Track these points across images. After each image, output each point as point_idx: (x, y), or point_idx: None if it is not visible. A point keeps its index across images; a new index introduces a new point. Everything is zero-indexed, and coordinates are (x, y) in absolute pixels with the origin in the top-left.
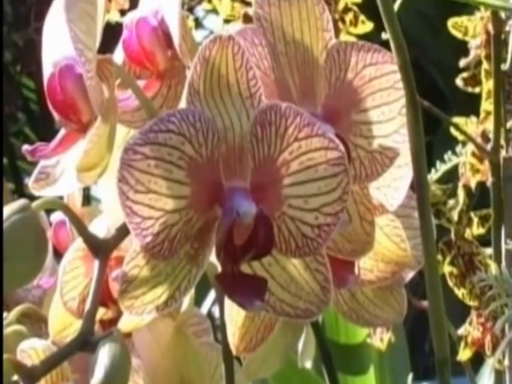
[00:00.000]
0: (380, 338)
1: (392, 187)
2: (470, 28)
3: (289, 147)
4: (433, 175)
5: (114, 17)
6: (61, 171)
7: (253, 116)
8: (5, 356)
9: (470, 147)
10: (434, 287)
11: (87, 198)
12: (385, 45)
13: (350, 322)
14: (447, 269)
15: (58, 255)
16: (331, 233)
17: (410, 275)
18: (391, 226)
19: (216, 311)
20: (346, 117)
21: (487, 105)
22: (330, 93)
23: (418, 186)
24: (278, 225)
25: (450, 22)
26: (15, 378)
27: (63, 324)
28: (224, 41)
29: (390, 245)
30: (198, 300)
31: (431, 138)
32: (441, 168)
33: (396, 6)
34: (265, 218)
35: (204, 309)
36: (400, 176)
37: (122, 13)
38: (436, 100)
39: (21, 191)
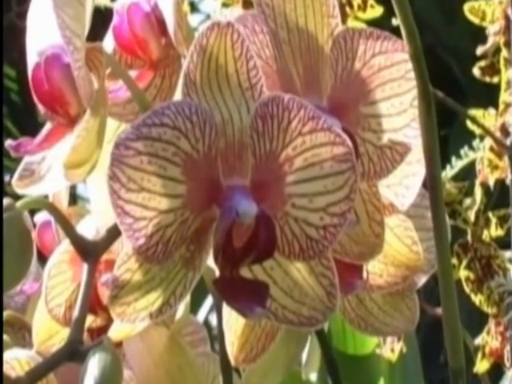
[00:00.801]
0: (391, 349)
1: (403, 185)
2: (488, 13)
3: (292, 142)
4: (448, 172)
5: (104, 1)
6: (47, 168)
7: (253, 109)
8: None
9: (488, 142)
10: (448, 293)
11: (73, 197)
12: (395, 31)
13: (358, 331)
14: (463, 273)
15: (43, 259)
16: (337, 234)
17: (422, 280)
18: (402, 226)
19: (213, 319)
20: (354, 109)
21: (506, 96)
22: (336, 84)
23: (431, 183)
24: (280, 226)
25: (467, 6)
26: None
27: (49, 333)
28: (222, 28)
29: (400, 247)
30: (194, 307)
31: (446, 132)
32: (456, 164)
33: None
34: (266, 219)
35: (200, 317)
36: (412, 173)
37: None
38: (452, 90)
39: (3, 189)
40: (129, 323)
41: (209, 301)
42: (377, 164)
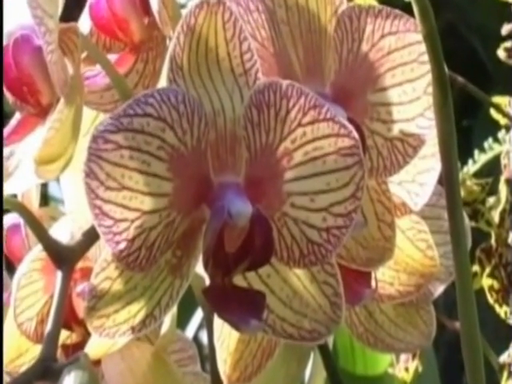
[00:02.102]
0: (405, 368)
1: (416, 182)
2: None
3: (291, 134)
4: (470, 167)
5: None
6: (16, 164)
7: (247, 97)
8: None
9: None
10: (466, 304)
11: (44, 198)
12: (407, 9)
13: (368, 348)
14: (486, 282)
15: (11, 267)
16: (342, 237)
17: (439, 289)
18: (415, 229)
19: (203, 336)
20: (361, 97)
21: None
22: (340, 68)
23: (448, 180)
24: (278, 228)
25: None
26: None
27: (18, 350)
28: (213, 6)
29: (413, 252)
30: (182, 321)
31: (470, 122)
32: (480, 158)
33: None
34: (262, 220)
35: (189, 332)
36: (426, 168)
37: None
38: (476, 75)
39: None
40: (108, 338)
41: (198, 314)
42: (387, 158)
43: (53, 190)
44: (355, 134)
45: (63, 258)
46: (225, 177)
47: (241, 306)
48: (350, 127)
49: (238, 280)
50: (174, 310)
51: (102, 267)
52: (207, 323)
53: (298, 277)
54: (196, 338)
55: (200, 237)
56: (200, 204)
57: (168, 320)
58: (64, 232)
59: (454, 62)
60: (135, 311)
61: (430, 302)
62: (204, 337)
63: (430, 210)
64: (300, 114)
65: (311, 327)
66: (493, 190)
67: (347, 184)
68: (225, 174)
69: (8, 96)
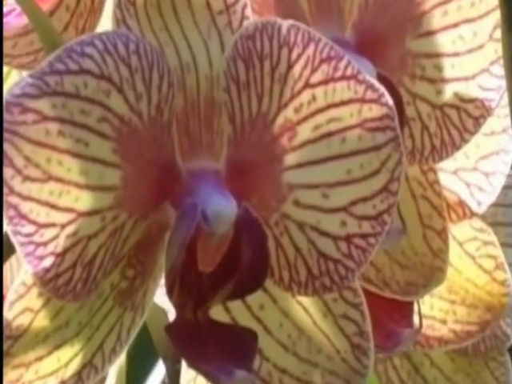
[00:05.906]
0: None
1: (480, 171)
2: None
3: (294, 99)
4: None
5: None
6: None
7: (231, 44)
8: None
9: None
10: None
11: None
12: None
13: None
14: None
15: None
16: (370, 250)
17: None
18: (479, 240)
19: None
20: (397, 45)
21: None
22: (367, 4)
23: None
24: (275, 236)
25: None
26: None
27: None
28: None
29: (477, 274)
30: (134, 379)
31: None
32: None
33: None
34: (252, 225)
35: None
36: (494, 151)
37: None
38: None
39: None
40: None
41: (158, 369)
42: (435, 135)
43: None
44: (388, 99)
45: None
46: (198, 162)
47: (221, 351)
48: (381, 89)
49: (218, 313)
50: (122, 359)
51: (20, 294)
52: (171, 379)
53: (305, 308)
54: None
55: (161, 249)
56: (161, 202)
57: (113, 376)
58: None
59: None
60: (67, 359)
61: (506, 350)
62: None
63: (504, 213)
64: (307, 70)
65: (324, 382)
66: None
67: (377, 172)
68: (198, 159)
69: None
